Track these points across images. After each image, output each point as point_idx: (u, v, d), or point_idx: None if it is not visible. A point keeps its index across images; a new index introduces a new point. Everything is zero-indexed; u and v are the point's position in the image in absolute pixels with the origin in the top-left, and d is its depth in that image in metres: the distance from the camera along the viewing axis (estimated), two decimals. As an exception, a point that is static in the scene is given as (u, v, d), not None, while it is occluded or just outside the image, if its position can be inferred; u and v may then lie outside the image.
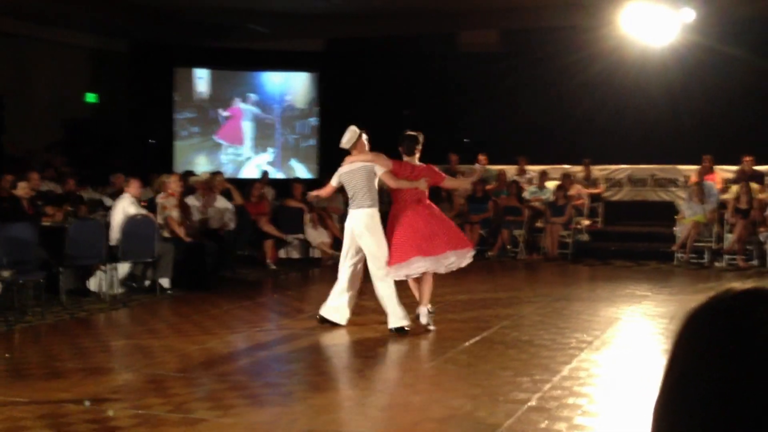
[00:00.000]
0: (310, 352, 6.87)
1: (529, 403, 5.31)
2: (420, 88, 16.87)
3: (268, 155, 18.08)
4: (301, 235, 13.36)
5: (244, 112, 17.95)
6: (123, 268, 9.95)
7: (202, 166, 16.66)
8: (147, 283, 10.09)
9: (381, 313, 8.64)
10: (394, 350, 6.87)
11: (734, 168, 14.47)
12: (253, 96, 18.00)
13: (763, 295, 0.91)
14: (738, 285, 0.92)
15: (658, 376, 0.90)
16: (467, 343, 7.10)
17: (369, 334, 7.57)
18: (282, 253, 13.32)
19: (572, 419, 5.02)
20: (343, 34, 17.05)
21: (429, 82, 16.85)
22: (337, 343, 7.16)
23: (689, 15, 12.33)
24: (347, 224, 7.87)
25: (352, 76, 17.30)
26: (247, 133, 18.04)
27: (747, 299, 0.89)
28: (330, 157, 17.76)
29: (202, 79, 17.72)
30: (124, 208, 9.74)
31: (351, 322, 8.14)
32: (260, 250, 12.65)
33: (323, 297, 10.28)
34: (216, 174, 13.70)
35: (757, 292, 0.91)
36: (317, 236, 13.38)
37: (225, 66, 17.78)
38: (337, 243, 13.68)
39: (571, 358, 6.56)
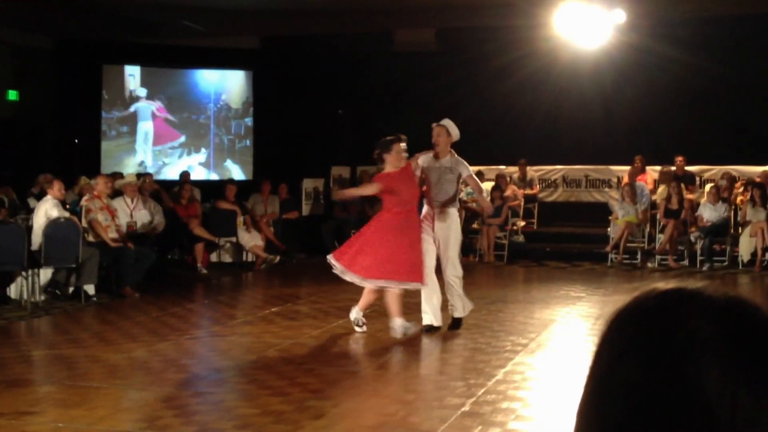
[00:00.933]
0: (241, 360, 6.77)
1: (463, 408, 5.31)
2: (356, 87, 16.85)
3: (201, 156, 17.84)
4: (233, 239, 13.20)
5: (172, 111, 17.68)
6: (45, 274, 9.66)
7: (130, 167, 16.33)
8: (70, 289, 9.82)
9: (316, 318, 8.60)
10: (328, 357, 6.81)
11: (662, 169, 14.75)
12: (177, 94, 17.73)
13: (685, 295, 0.92)
14: (662, 285, 0.93)
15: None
16: (402, 347, 7.09)
17: (303, 340, 7.50)
18: (213, 257, 13.14)
19: (506, 424, 5.03)
20: (279, 31, 16.92)
21: (365, 81, 16.83)
22: (270, 350, 7.07)
23: (621, 16, 12.54)
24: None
25: (287, 75, 17.18)
26: (177, 133, 17.77)
27: (669, 299, 0.90)
28: (265, 158, 17.67)
29: (132, 76, 17.38)
30: (47, 210, 9.46)
31: (287, 327, 8.08)
32: (191, 254, 12.45)
33: (256, 302, 10.24)
34: (145, 176, 13.46)
35: (680, 291, 0.91)
36: (250, 239, 13.23)
37: (157, 63, 17.48)
38: (270, 246, 13.58)
39: (506, 361, 6.60)
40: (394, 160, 7.82)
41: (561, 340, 7.56)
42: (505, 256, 13.93)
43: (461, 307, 7.72)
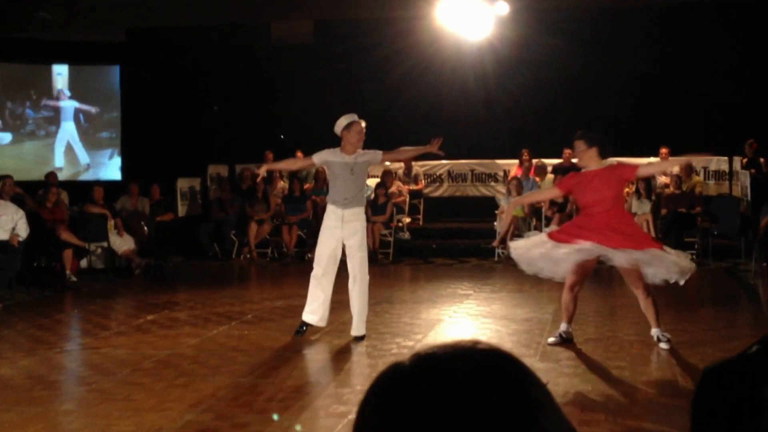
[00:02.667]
0: (114, 374, 6.60)
1: (350, 416, 5.35)
2: (231, 82, 16.66)
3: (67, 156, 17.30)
4: (104, 243, 12.86)
5: (36, 107, 17.07)
6: None
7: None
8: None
9: (195, 325, 8.48)
10: (208, 368, 6.72)
11: (553, 161, 15.22)
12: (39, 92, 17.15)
13: (425, 371, 1.02)
14: (406, 360, 1.01)
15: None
16: (285, 354, 7.07)
17: (181, 350, 7.38)
18: (83, 263, 12.77)
19: (394, 430, 5.09)
20: (146, 23, 16.53)
21: (241, 75, 16.66)
22: (146, 362, 6.92)
23: (503, 8, 12.85)
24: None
25: (157, 70, 16.82)
26: (40, 130, 17.17)
27: (409, 376, 0.98)
28: (136, 157, 17.27)
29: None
30: None
31: (164, 337, 7.94)
32: (59, 261, 12.05)
33: (130, 310, 10.00)
34: (5, 178, 12.92)
35: (422, 364, 1.00)
36: (123, 243, 12.92)
37: (15, 59, 16.80)
38: (145, 250, 13.29)
39: (392, 364, 6.67)
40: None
41: (448, 340, 7.70)
42: (390, 254, 14.08)
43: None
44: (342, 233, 7.70)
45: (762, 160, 14.45)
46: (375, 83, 15.74)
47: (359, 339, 7.59)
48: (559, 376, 6.28)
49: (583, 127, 7.28)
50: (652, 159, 15.01)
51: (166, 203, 14.72)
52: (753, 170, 14.29)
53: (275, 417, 5.22)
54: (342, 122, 7.74)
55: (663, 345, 6.97)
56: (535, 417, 0.96)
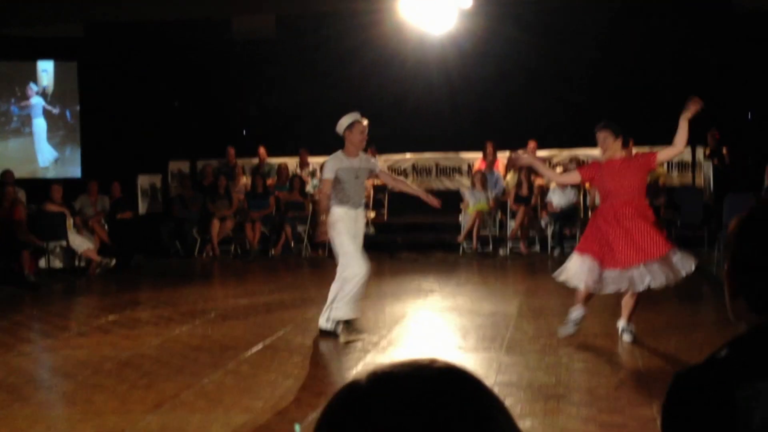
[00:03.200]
0: (75, 376, 6.56)
1: (312, 415, 5.38)
2: (192, 77, 16.56)
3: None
4: (63, 242, 12.75)
5: (20, 104, 16.95)
6: None
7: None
8: None
9: (157, 325, 8.44)
10: (171, 368, 6.70)
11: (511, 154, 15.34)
12: None
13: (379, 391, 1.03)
14: (362, 376, 1.02)
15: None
16: (249, 353, 7.07)
17: (144, 350, 7.35)
18: (42, 263, 12.64)
19: (359, 427, 5.12)
20: (104, 17, 16.35)
21: (201, 71, 16.57)
22: (107, 363, 6.89)
23: (466, 1, 12.91)
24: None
25: (116, 65, 16.66)
26: (25, 127, 17.03)
27: (366, 395, 1.00)
28: (95, 154, 17.10)
29: None
30: None
31: (125, 337, 7.90)
32: (17, 262, 11.92)
33: (91, 311, 9.93)
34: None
35: (379, 383, 1.01)
36: (82, 243, 12.82)
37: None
38: (105, 249, 13.18)
39: (356, 361, 6.71)
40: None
41: (412, 336, 7.75)
42: (356, 249, 14.09)
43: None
44: (357, 230, 7.69)
45: (725, 150, 14.67)
46: (338, 77, 15.73)
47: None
48: (525, 370, 6.36)
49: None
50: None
51: (127, 201, 14.62)
52: (716, 160, 14.50)
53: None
54: (344, 122, 7.58)
55: (626, 337, 7.06)
56: None
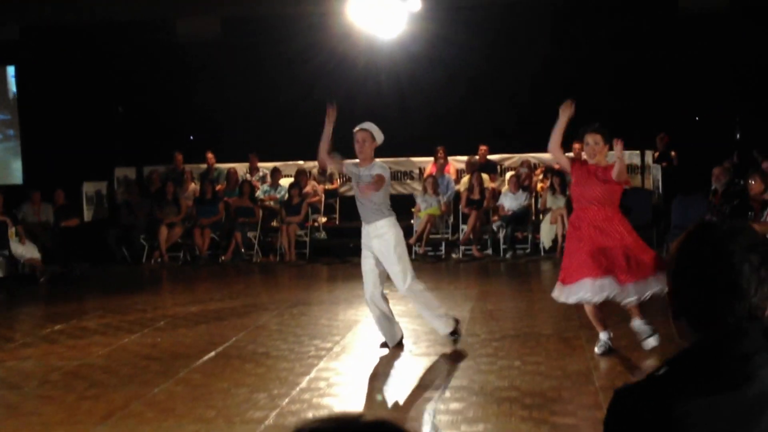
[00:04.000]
0: (21, 388, 6.50)
1: (267, 422, 5.41)
2: (136, 81, 16.40)
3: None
4: (5, 252, 12.56)
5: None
6: None
7: None
8: None
9: (105, 334, 8.38)
10: (120, 378, 6.67)
11: (465, 158, 15.51)
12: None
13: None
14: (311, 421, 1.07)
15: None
16: (200, 361, 7.07)
17: (91, 360, 7.30)
18: (-17, 273, 12.45)
19: (312, 434, 5.16)
20: (41, 20, 16.07)
21: (146, 74, 16.41)
22: (54, 374, 6.83)
23: (415, 5, 13.02)
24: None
25: (56, 69, 16.43)
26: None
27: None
28: (36, 161, 16.85)
29: None
30: None
31: (72, 347, 7.84)
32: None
33: (36, 320, 9.82)
34: None
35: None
36: (26, 251, 12.65)
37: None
38: (50, 257, 13.01)
39: (310, 368, 6.75)
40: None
41: (366, 341, 7.80)
42: (306, 254, 14.14)
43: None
44: (372, 249, 7.20)
45: (673, 153, 14.98)
46: (286, 80, 15.72)
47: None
48: (476, 373, 6.45)
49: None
50: (566, 154, 15.38)
51: (72, 208, 14.45)
52: (664, 163, 14.81)
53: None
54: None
55: (651, 341, 6.75)
56: None
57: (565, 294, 6.70)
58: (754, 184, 9.71)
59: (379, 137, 7.27)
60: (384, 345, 7.33)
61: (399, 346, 7.33)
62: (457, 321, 7.39)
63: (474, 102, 15.50)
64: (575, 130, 7.11)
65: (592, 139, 6.79)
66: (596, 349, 6.82)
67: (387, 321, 7.37)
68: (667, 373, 1.72)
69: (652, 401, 1.67)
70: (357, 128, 7.31)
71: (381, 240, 7.10)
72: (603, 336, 6.86)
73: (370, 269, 7.25)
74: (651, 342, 6.71)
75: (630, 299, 6.53)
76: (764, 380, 1.62)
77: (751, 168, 11.65)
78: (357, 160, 7.34)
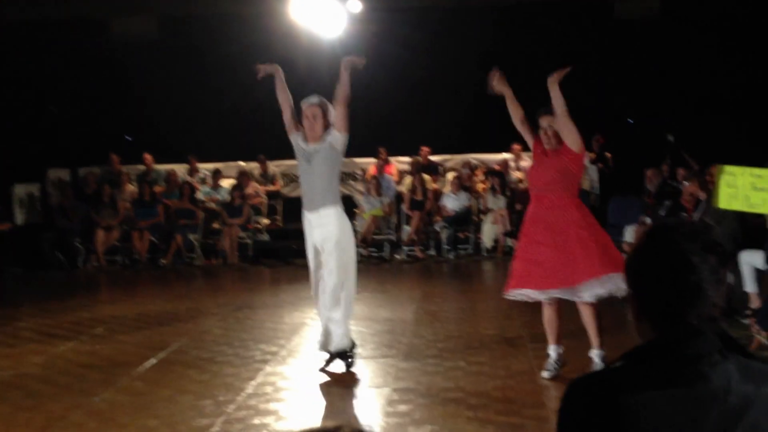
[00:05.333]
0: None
1: (213, 429, 5.34)
2: (70, 81, 16.05)
3: None
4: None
5: None
6: None
7: None
8: None
9: (40, 342, 8.19)
10: (57, 387, 6.52)
11: (409, 159, 15.56)
12: None
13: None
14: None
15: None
16: (142, 368, 6.95)
17: (26, 369, 7.13)
18: None
19: (259, 440, 5.13)
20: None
21: (80, 73, 16.08)
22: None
23: (356, 6, 13.01)
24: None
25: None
26: None
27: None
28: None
29: None
30: None
31: (6, 356, 7.65)
32: None
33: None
34: None
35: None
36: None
37: None
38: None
39: (255, 372, 6.69)
40: None
41: (312, 344, 7.75)
42: (249, 256, 14.02)
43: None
44: (314, 240, 6.54)
45: (608, 154, 15.21)
46: (226, 80, 15.56)
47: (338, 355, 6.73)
48: (422, 375, 6.46)
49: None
50: (505, 155, 15.55)
51: (2, 212, 14.10)
52: (600, 164, 15.03)
53: None
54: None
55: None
56: None
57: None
58: (689, 185, 9.96)
59: (332, 113, 6.75)
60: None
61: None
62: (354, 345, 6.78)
63: (416, 103, 15.55)
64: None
65: (546, 122, 6.31)
66: (544, 373, 6.29)
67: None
68: (622, 367, 1.75)
69: (605, 392, 1.70)
70: (306, 103, 6.76)
71: (324, 230, 6.50)
72: (553, 352, 6.37)
73: (317, 267, 6.65)
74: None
75: (582, 296, 6.08)
76: (714, 380, 1.67)
77: (684, 170, 11.94)
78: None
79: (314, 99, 6.81)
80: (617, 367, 1.76)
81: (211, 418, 5.55)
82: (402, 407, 5.70)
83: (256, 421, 5.51)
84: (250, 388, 6.27)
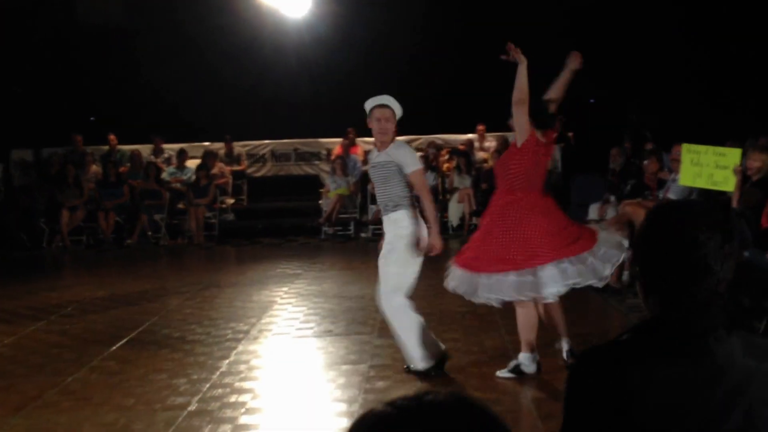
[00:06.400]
0: None
1: (189, 408, 5.22)
2: (34, 62, 15.69)
3: None
4: None
5: None
6: None
7: None
8: None
9: (9, 323, 7.98)
10: (29, 367, 6.35)
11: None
12: None
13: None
14: (382, 408, 1.09)
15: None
16: (114, 347, 6.80)
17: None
18: None
19: (237, 419, 5.02)
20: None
21: (44, 55, 15.72)
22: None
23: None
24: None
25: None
26: None
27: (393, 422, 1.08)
28: None
29: None
30: None
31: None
32: None
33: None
34: None
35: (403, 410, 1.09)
36: None
37: None
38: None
39: (228, 351, 6.57)
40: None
41: (283, 322, 7.66)
42: (215, 236, 13.86)
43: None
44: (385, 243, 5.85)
45: (570, 134, 15.24)
46: (192, 62, 15.34)
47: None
48: (397, 352, 6.36)
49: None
50: (470, 135, 15.52)
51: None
52: (562, 144, 15.05)
53: None
54: (366, 107, 5.85)
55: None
56: None
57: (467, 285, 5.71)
58: (649, 164, 10.00)
59: (399, 111, 5.85)
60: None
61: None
62: (444, 356, 5.88)
63: (383, 84, 15.39)
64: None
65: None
66: (498, 372, 5.70)
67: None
68: (630, 340, 1.76)
69: (610, 365, 1.72)
70: (373, 104, 5.77)
71: (390, 236, 5.80)
72: (525, 359, 5.72)
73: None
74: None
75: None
76: (719, 355, 1.67)
77: (644, 149, 11.98)
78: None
79: (383, 99, 5.81)
80: (625, 340, 1.76)
81: (186, 397, 5.44)
82: (379, 383, 5.63)
83: (232, 399, 5.40)
84: (223, 366, 6.15)
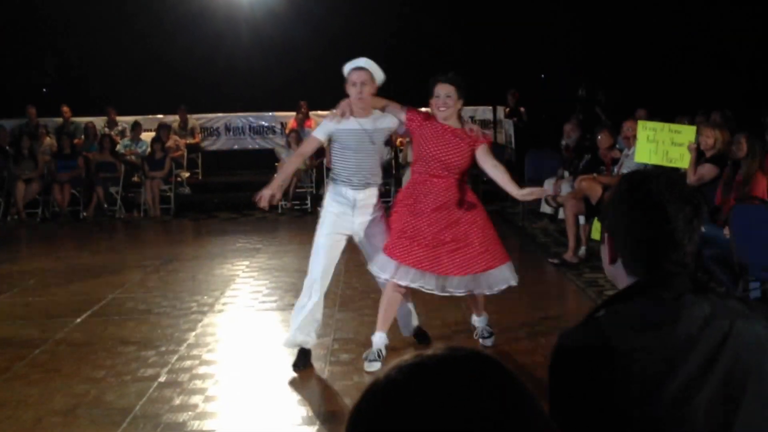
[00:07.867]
0: None
1: (159, 379, 5.29)
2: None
3: None
4: None
5: None
6: None
7: None
8: None
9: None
10: (-5, 339, 6.35)
11: (327, 113, 15.46)
12: None
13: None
14: (392, 372, 1.06)
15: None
16: (79, 320, 6.82)
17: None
18: None
19: (206, 390, 5.10)
20: None
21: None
22: None
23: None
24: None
25: None
26: None
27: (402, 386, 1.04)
28: None
29: None
30: None
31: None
32: None
33: None
34: None
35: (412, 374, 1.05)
36: None
37: None
38: None
39: (195, 324, 6.63)
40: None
41: (246, 294, 7.73)
42: (171, 209, 13.80)
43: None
44: (353, 220, 5.65)
45: (522, 109, 15.44)
46: (142, 32, 15.16)
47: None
48: (360, 325, 6.52)
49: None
50: (425, 109, 15.60)
51: None
52: (515, 119, 15.25)
53: None
54: (345, 70, 5.45)
55: (488, 342, 5.99)
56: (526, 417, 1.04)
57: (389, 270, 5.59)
58: (602, 139, 10.17)
59: (379, 76, 5.46)
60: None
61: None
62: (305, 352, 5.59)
63: (337, 57, 15.40)
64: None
65: (444, 91, 5.42)
66: (366, 365, 5.44)
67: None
68: (606, 315, 1.74)
69: (592, 342, 1.69)
70: (352, 66, 5.42)
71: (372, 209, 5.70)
72: (378, 340, 5.56)
73: (337, 255, 5.75)
74: (488, 343, 5.98)
75: (458, 292, 5.65)
76: (691, 321, 1.68)
77: (596, 125, 12.20)
78: (327, 114, 5.73)
79: (361, 61, 5.46)
80: (601, 315, 1.76)
81: (156, 369, 5.50)
82: (344, 356, 5.75)
83: (201, 370, 5.48)
84: (191, 338, 6.22)
